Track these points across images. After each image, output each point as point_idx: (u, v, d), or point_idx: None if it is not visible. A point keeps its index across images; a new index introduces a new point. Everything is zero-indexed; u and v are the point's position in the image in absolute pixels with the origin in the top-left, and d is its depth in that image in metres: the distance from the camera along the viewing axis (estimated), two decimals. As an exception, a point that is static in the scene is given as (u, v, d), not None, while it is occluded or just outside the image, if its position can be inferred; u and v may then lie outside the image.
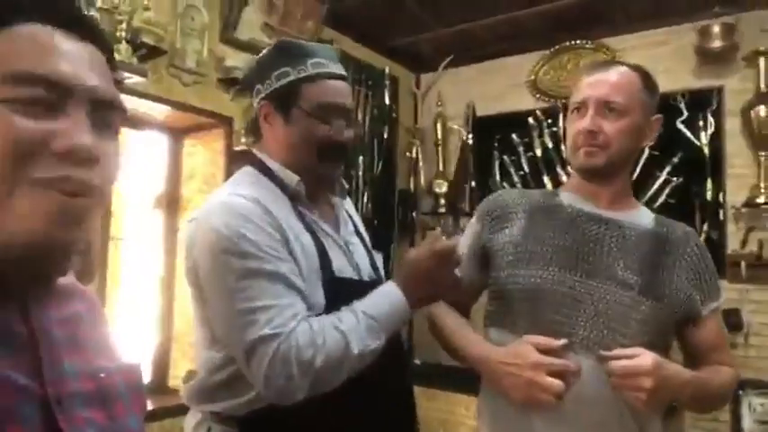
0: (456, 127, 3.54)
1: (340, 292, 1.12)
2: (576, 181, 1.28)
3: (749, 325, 2.61)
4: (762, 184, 2.64)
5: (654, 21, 2.94)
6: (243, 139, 2.54)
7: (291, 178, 1.17)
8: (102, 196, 0.55)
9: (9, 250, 0.49)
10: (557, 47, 3.23)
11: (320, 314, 1.08)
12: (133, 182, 2.46)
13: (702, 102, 2.81)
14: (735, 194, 2.73)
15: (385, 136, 3.41)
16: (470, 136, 3.46)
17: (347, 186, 1.34)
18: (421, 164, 3.60)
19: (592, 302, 1.14)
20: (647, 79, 1.23)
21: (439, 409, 2.85)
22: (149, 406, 2.23)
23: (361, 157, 3.21)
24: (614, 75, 1.21)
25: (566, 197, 1.28)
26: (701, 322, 1.21)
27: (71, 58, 0.54)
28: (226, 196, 1.13)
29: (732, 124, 2.77)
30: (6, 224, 0.49)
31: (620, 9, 2.90)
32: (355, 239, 1.29)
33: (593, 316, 1.13)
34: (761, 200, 2.62)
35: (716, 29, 2.72)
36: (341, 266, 1.17)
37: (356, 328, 1.04)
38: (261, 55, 1.25)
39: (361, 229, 1.37)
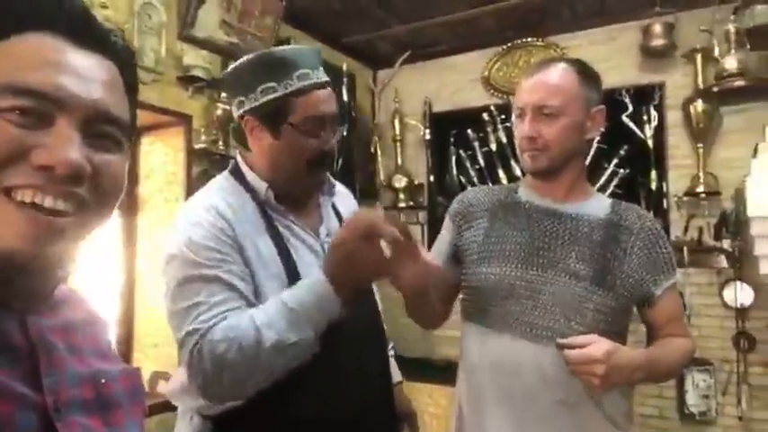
0: (413, 122, 3.60)
1: None
2: (531, 178, 1.34)
3: (691, 307, 2.78)
4: (700, 174, 2.81)
5: (600, 19, 3.08)
6: (203, 137, 2.54)
7: (260, 186, 1.20)
8: (93, 210, 0.54)
9: None
10: (509, 44, 3.34)
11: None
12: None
13: (646, 97, 2.97)
14: (677, 184, 2.90)
15: (344, 132, 3.44)
16: (427, 131, 3.54)
17: (333, 183, 1.34)
18: (380, 159, 3.65)
19: (549, 294, 1.20)
20: (584, 74, 1.25)
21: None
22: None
23: None
24: (549, 77, 1.23)
25: (523, 193, 1.35)
26: (657, 300, 1.26)
27: (72, 70, 0.53)
28: (189, 203, 1.21)
29: (673, 118, 2.93)
30: None
31: (569, 8, 3.02)
32: None
33: (550, 307, 1.20)
34: (700, 189, 2.79)
35: (657, 28, 2.87)
36: (308, 270, 1.15)
37: (274, 321, 1.02)
38: (241, 64, 1.23)
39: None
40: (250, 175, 1.23)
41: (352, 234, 1.03)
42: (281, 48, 1.27)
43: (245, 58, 1.23)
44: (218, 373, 1.01)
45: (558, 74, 1.24)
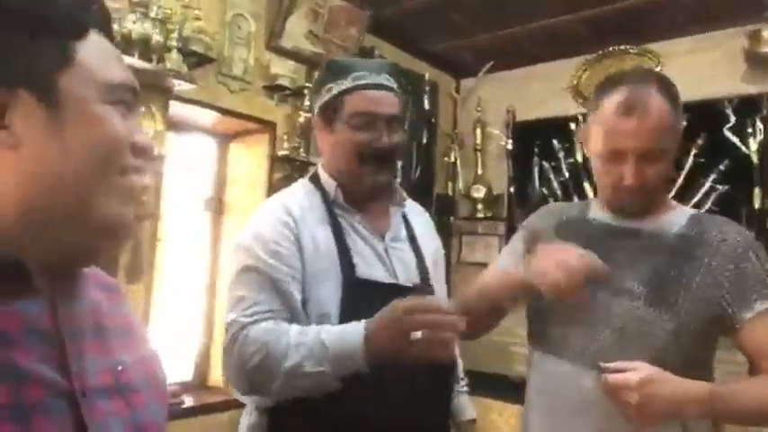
0: (495, 132, 3.53)
1: (360, 291, 1.19)
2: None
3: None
4: (813, 193, 2.56)
5: (701, 25, 2.88)
6: (285, 144, 2.61)
7: (330, 185, 1.30)
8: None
9: (102, 232, 0.56)
10: (600, 51, 3.20)
11: (327, 313, 1.16)
12: (180, 185, 2.55)
13: (751, 108, 2.74)
14: (784, 204, 2.65)
15: (424, 141, 3.43)
16: (510, 141, 3.45)
17: (403, 194, 1.39)
18: (459, 169, 3.60)
19: (603, 315, 1.13)
20: (674, 98, 1.14)
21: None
22: (191, 403, 2.31)
23: (399, 162, 3.24)
24: (653, 119, 1.09)
25: (594, 210, 1.28)
26: (747, 325, 1.08)
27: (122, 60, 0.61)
28: (266, 201, 1.36)
29: (783, 131, 2.69)
30: (97, 204, 0.54)
31: (666, 14, 2.85)
32: (402, 245, 1.34)
33: (603, 329, 1.12)
34: (812, 209, 2.54)
35: (767, 33, 2.65)
36: (369, 269, 1.24)
37: (303, 347, 1.07)
38: (318, 74, 1.36)
39: (422, 236, 1.40)
40: (323, 176, 1.33)
41: (406, 309, 1.03)
42: (349, 58, 1.39)
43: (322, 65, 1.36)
44: (242, 369, 1.11)
45: (659, 113, 1.10)
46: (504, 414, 2.77)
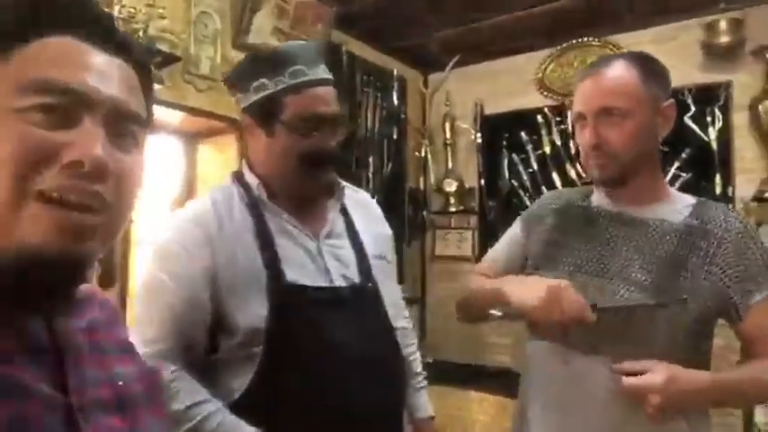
0: (464, 126, 3.56)
1: (289, 299, 1.11)
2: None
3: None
4: (771, 178, 2.65)
5: (660, 17, 2.96)
6: (256, 143, 2.59)
7: (253, 184, 1.19)
8: (115, 210, 0.54)
9: (20, 261, 0.50)
10: (564, 44, 3.25)
11: (257, 327, 1.08)
12: (149, 186, 2.50)
13: (709, 97, 2.83)
14: (744, 189, 2.75)
15: (394, 136, 3.44)
16: (479, 135, 3.49)
17: (342, 186, 1.30)
18: (430, 163, 3.63)
19: (601, 303, 1.11)
20: (647, 68, 1.14)
21: (451, 406, 2.89)
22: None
23: (371, 158, 3.25)
24: (609, 76, 1.11)
25: (596, 197, 1.26)
26: (749, 313, 1.10)
27: (94, 70, 0.54)
28: (178, 211, 1.27)
29: (740, 119, 2.78)
30: (16, 235, 0.49)
31: (626, 6, 2.91)
32: (339, 242, 1.24)
33: (611, 320, 1.09)
34: (770, 194, 2.63)
35: (723, 24, 2.73)
36: (298, 270, 1.14)
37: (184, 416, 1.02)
38: (241, 62, 1.23)
39: (362, 229, 1.30)
40: (247, 174, 1.22)
41: None
42: (279, 44, 1.27)
43: (244, 56, 1.24)
44: None
45: (618, 72, 1.12)
46: (482, 404, 2.81)
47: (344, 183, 1.32)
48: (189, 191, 2.64)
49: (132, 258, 2.39)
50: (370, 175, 3.24)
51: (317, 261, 1.18)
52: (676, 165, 2.88)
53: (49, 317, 0.55)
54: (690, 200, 1.20)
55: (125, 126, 0.56)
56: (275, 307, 1.09)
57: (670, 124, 1.16)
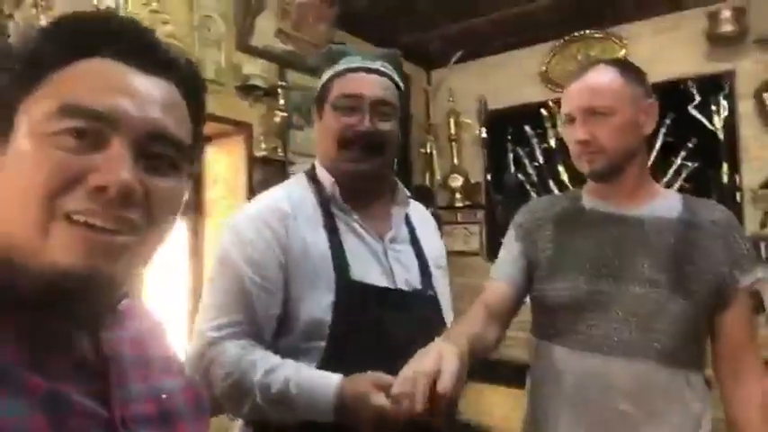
0: (468, 121, 3.57)
1: (354, 295, 1.12)
2: (593, 183, 1.29)
3: (770, 306, 2.63)
4: (778, 166, 2.65)
5: (662, 7, 2.95)
6: (262, 145, 2.60)
7: (327, 180, 1.22)
8: (147, 232, 0.54)
9: (53, 279, 0.50)
10: (566, 37, 3.25)
11: (319, 318, 1.08)
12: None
13: (714, 86, 2.83)
14: (751, 177, 2.75)
15: (399, 133, 3.45)
16: (483, 130, 3.49)
17: (406, 193, 1.31)
18: (435, 159, 3.63)
19: (623, 305, 1.15)
20: (627, 70, 1.23)
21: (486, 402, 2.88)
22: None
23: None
24: (593, 78, 1.21)
25: (587, 200, 1.30)
26: (732, 301, 1.16)
27: (127, 92, 0.53)
28: (252, 201, 1.25)
29: (745, 107, 2.78)
30: (46, 256, 0.50)
31: (629, -3, 2.91)
32: (403, 247, 1.26)
33: (624, 319, 1.14)
34: (777, 181, 2.63)
35: (726, 13, 2.73)
36: (364, 270, 1.16)
37: (269, 385, 1.01)
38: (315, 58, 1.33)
39: (426, 239, 1.32)
40: (319, 171, 1.25)
41: (375, 409, 0.95)
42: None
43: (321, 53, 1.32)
44: (209, 389, 1.03)
45: (601, 74, 1.21)
46: (499, 398, 2.82)
47: (407, 192, 1.33)
48: (197, 193, 2.66)
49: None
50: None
51: (382, 263, 1.20)
52: (683, 154, 2.88)
53: (93, 331, 0.56)
54: (677, 196, 1.27)
55: (160, 148, 0.55)
56: (340, 302, 1.10)
57: (653, 122, 1.23)
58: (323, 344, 1.09)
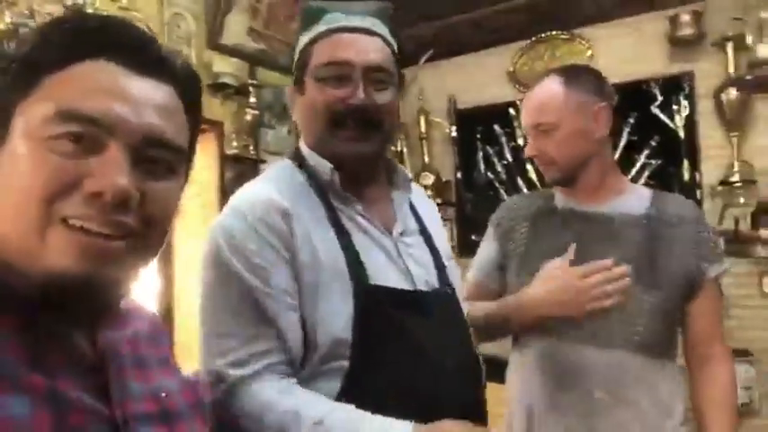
0: (438, 120, 3.61)
1: (375, 304, 0.93)
2: None
3: (729, 297, 2.74)
4: (735, 163, 2.76)
5: (625, 10, 3.04)
6: (234, 143, 2.59)
7: (324, 167, 1.00)
8: (144, 236, 0.54)
9: (48, 282, 0.50)
10: (534, 38, 3.32)
11: (341, 338, 0.90)
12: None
13: (675, 86, 2.93)
14: (710, 174, 2.85)
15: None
16: (453, 128, 3.54)
17: (410, 176, 1.13)
18: (406, 157, 3.66)
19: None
20: (573, 79, 1.26)
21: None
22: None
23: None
24: (536, 96, 1.27)
25: (559, 199, 1.35)
26: (700, 292, 1.22)
27: (125, 96, 0.53)
28: (239, 192, 1.02)
29: (704, 107, 2.88)
30: (43, 259, 0.50)
31: (593, 0, 2.99)
32: (414, 240, 1.08)
33: (599, 312, 1.16)
34: (734, 178, 2.74)
35: (685, 17, 2.83)
36: (381, 272, 0.97)
37: None
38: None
39: (433, 228, 1.14)
40: (310, 156, 1.02)
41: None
42: None
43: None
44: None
45: (544, 89, 1.27)
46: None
47: (408, 173, 1.16)
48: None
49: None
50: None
51: (397, 262, 1.01)
52: (646, 152, 2.97)
53: (92, 330, 0.56)
54: (646, 192, 1.32)
55: (157, 153, 0.54)
56: (361, 314, 0.91)
57: (605, 125, 1.26)
58: (345, 364, 0.91)
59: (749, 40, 2.65)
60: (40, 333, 0.51)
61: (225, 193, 2.53)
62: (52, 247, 0.50)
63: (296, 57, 1.04)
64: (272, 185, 0.99)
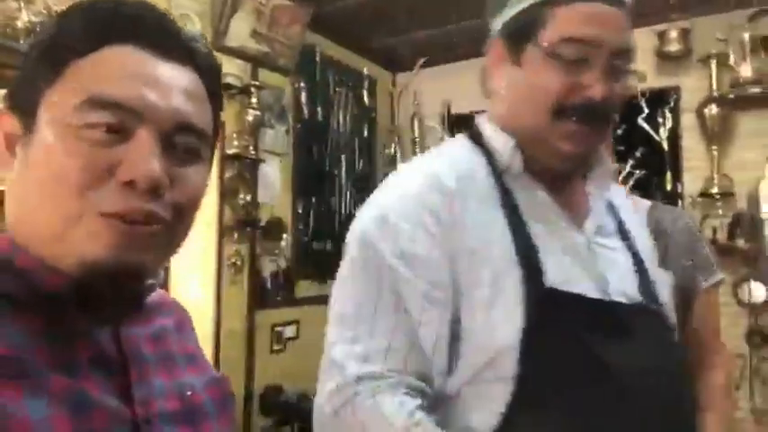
0: (432, 125, 3.70)
1: (553, 311, 0.75)
2: None
3: (706, 304, 2.86)
4: (715, 176, 2.89)
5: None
6: (234, 143, 2.65)
7: (503, 144, 0.84)
8: (174, 223, 0.54)
9: (80, 274, 0.50)
10: (527, 48, 3.41)
11: (502, 348, 0.74)
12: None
13: (661, 100, 3.05)
14: (691, 185, 2.98)
15: (365, 134, 3.55)
16: (447, 133, 3.63)
17: (616, 167, 0.94)
18: (399, 161, 3.74)
19: None
20: None
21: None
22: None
23: (342, 156, 3.36)
24: None
25: None
26: (696, 305, 1.25)
27: (152, 82, 0.52)
28: (407, 165, 0.91)
29: (688, 121, 3.01)
30: (76, 249, 0.49)
31: (586, 14, 3.09)
32: (611, 242, 0.88)
33: None
34: (714, 190, 2.87)
35: (673, 33, 2.95)
36: (564, 273, 0.79)
37: None
38: None
39: (635, 231, 0.94)
40: (491, 133, 0.86)
41: None
42: None
43: None
44: None
45: None
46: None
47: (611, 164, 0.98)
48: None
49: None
50: (343, 173, 3.35)
51: (586, 262, 0.82)
52: (631, 163, 3.09)
53: (116, 326, 0.55)
54: (645, 204, 1.36)
55: (184, 138, 0.54)
56: (534, 321, 0.74)
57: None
58: (508, 386, 0.73)
59: (731, 60, 2.78)
60: (63, 332, 0.51)
61: (223, 191, 2.60)
62: (87, 236, 0.49)
63: (510, 15, 0.84)
64: (447, 161, 0.85)
